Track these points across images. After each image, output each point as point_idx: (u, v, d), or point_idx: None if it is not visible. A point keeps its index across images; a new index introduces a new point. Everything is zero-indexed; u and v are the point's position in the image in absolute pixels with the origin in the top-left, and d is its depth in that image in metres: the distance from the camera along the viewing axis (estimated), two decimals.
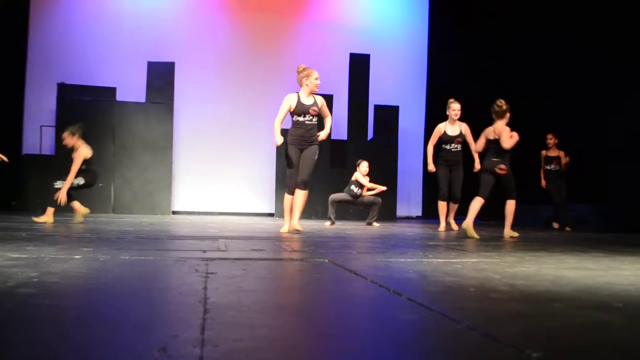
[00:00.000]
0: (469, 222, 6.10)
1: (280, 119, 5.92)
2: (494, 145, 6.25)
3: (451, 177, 7.64)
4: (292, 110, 5.92)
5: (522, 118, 8.05)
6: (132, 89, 11.22)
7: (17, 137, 11.45)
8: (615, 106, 10.13)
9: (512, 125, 6.46)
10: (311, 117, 5.92)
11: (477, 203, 6.23)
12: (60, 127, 10.84)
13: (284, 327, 1.66)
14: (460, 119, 7.68)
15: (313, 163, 5.96)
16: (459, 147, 7.63)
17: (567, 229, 8.54)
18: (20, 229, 5.28)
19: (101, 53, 11.81)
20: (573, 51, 10.90)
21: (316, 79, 5.95)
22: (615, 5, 10.00)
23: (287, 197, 6.05)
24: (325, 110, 6.08)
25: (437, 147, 7.72)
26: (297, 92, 5.98)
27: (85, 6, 12.06)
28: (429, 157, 7.73)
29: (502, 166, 6.11)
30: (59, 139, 10.79)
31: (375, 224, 8.62)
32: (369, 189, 8.83)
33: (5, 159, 6.99)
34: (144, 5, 12.19)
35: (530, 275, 2.78)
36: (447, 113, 7.68)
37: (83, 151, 6.72)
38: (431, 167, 7.70)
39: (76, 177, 6.70)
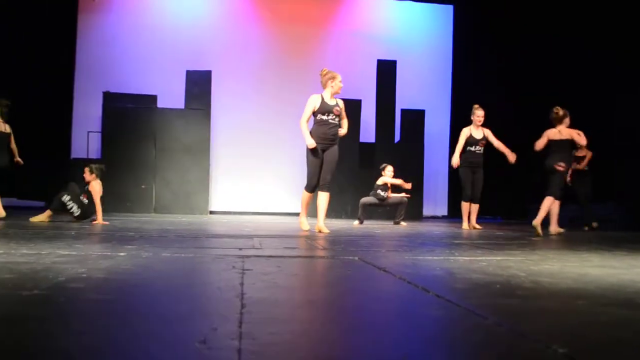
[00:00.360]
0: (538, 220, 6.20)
1: (306, 119, 5.93)
2: (556, 145, 6.37)
3: (474, 179, 7.64)
4: (315, 109, 5.92)
5: (546, 115, 7.98)
6: (171, 96, 11.36)
7: (66, 142, 11.70)
8: (621, 104, 9.96)
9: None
10: (334, 117, 5.93)
11: (552, 204, 6.37)
12: (105, 133, 11.06)
13: (317, 321, 1.66)
14: (485, 122, 7.68)
15: (335, 165, 6.01)
16: (482, 149, 7.68)
17: (586, 228, 8.21)
18: (70, 228, 5.38)
19: (143, 63, 11.99)
20: (585, 51, 10.75)
21: (340, 81, 6.00)
22: (623, 5, 9.86)
23: (306, 194, 6.10)
24: (344, 113, 6.10)
25: (462, 148, 7.71)
26: (321, 94, 6.00)
27: (128, 19, 12.25)
28: (457, 153, 7.70)
29: (562, 163, 6.23)
30: (104, 144, 11.00)
31: (402, 223, 8.57)
32: (396, 186, 8.77)
33: (20, 162, 7.18)
34: (183, 18, 12.35)
35: (555, 272, 2.73)
36: (472, 118, 7.73)
37: (97, 188, 6.70)
38: (456, 160, 7.67)
39: (75, 206, 6.65)
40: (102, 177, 6.80)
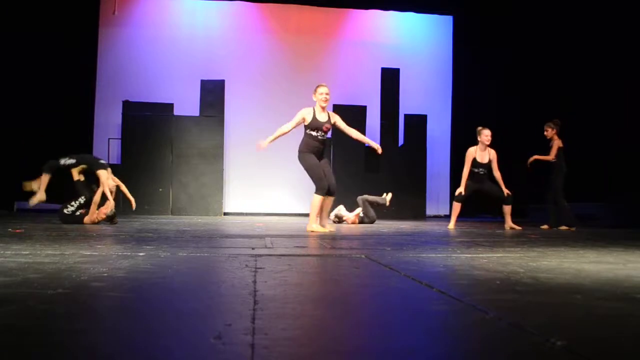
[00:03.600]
0: None
1: (289, 128, 5.77)
2: None
3: (485, 187, 7.38)
4: (306, 123, 5.75)
5: (541, 120, 7.94)
6: (187, 104, 11.42)
7: (88, 149, 11.75)
8: (622, 104, 9.90)
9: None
10: (323, 134, 5.77)
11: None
12: (125, 139, 11.11)
13: (326, 316, 1.65)
14: (486, 126, 7.50)
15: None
16: (485, 171, 7.33)
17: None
18: (91, 230, 5.40)
19: (160, 73, 12.06)
20: (581, 53, 10.71)
21: (321, 93, 5.75)
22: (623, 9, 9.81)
23: (319, 198, 5.70)
24: (342, 124, 5.89)
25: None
26: (313, 107, 5.83)
27: (146, 32, 12.32)
28: (463, 181, 7.32)
29: None
30: (124, 150, 11.06)
31: (387, 196, 8.75)
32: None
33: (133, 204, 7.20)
34: (197, 31, 12.41)
35: (552, 268, 2.71)
36: (479, 139, 7.27)
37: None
38: (462, 189, 7.33)
39: (73, 208, 6.53)
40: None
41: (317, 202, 5.72)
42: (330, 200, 5.86)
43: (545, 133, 7.74)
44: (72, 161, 6.58)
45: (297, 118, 5.78)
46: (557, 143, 7.60)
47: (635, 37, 9.56)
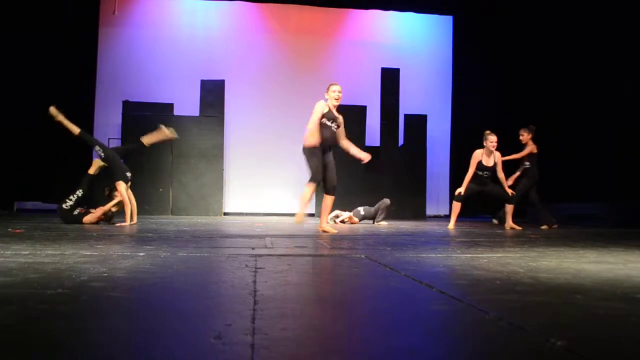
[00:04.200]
0: None
1: (317, 123, 5.64)
2: None
3: (488, 189, 7.38)
4: (323, 114, 5.74)
5: (541, 120, 7.93)
6: (187, 104, 11.42)
7: (88, 149, 11.73)
8: (623, 103, 9.88)
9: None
10: (337, 126, 5.81)
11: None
12: (125, 139, 11.10)
13: (326, 317, 1.65)
14: (486, 126, 7.49)
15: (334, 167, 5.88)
16: (490, 174, 7.31)
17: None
18: (91, 230, 5.40)
19: (160, 73, 12.05)
20: (587, 54, 10.68)
21: (334, 91, 5.78)
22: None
23: (311, 188, 5.60)
24: (342, 128, 5.92)
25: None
26: (327, 103, 5.84)
27: (146, 33, 12.33)
28: (465, 182, 7.30)
29: None
30: None
31: (383, 223, 8.45)
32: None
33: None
34: (197, 31, 12.42)
35: (552, 268, 2.71)
36: (485, 144, 7.25)
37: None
38: (462, 189, 7.32)
39: (72, 203, 6.49)
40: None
41: (307, 193, 5.61)
42: (330, 199, 5.85)
43: (520, 138, 7.82)
44: (102, 155, 6.63)
45: (317, 113, 5.70)
46: (530, 148, 7.70)
47: (636, 34, 9.54)
